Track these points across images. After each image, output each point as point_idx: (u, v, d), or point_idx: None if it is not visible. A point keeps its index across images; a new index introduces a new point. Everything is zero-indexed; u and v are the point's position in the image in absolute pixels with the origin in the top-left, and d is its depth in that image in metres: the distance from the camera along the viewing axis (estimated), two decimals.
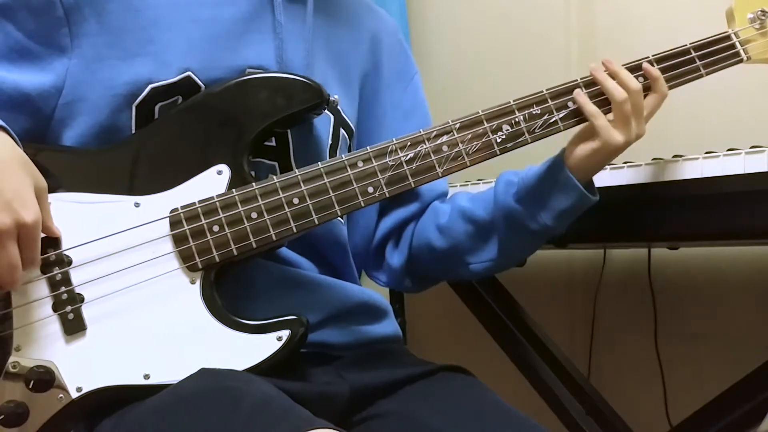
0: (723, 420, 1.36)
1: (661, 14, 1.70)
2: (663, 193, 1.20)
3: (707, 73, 1.16)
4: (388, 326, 1.17)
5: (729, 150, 1.14)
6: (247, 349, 0.98)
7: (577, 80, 1.12)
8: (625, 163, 1.28)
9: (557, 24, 1.94)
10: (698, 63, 1.15)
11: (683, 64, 1.15)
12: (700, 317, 1.70)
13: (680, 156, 1.21)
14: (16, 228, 0.90)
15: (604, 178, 1.26)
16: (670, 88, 1.14)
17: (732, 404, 1.36)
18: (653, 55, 1.14)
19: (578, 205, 1.14)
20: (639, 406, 1.72)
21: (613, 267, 1.81)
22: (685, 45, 1.15)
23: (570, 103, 1.11)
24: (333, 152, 1.13)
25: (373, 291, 1.17)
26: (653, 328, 1.72)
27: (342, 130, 1.15)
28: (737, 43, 1.17)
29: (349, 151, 1.17)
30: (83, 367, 0.96)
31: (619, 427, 1.59)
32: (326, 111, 1.11)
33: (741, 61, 1.17)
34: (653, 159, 1.24)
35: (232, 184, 1.02)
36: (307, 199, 1.03)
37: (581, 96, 1.11)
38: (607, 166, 1.28)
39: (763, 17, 1.17)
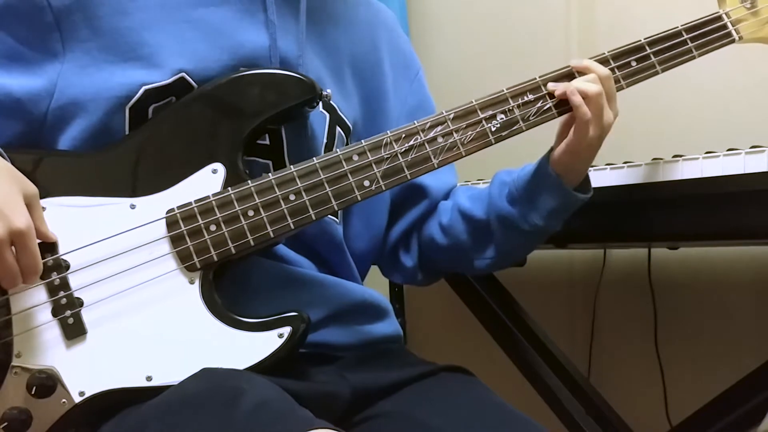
0: (723, 420, 1.36)
1: (661, 14, 1.70)
2: (663, 193, 1.20)
3: (699, 55, 1.16)
4: (389, 326, 1.17)
5: (729, 150, 1.14)
6: (249, 348, 0.98)
7: (569, 66, 1.13)
8: (625, 163, 1.28)
9: (557, 24, 1.94)
10: (690, 45, 1.16)
11: (675, 47, 1.15)
12: (700, 317, 1.70)
13: (680, 156, 1.21)
14: (9, 236, 0.90)
15: (604, 178, 1.26)
16: (664, 70, 1.15)
17: (732, 404, 1.36)
18: (645, 39, 1.15)
19: (566, 204, 1.14)
20: (639, 406, 1.71)
21: (613, 267, 1.81)
22: (677, 27, 1.16)
23: None
24: (328, 151, 1.12)
25: (374, 290, 1.17)
26: (653, 328, 1.72)
27: (338, 129, 1.15)
28: (729, 23, 1.17)
29: None
30: (85, 371, 0.96)
31: (619, 427, 1.58)
32: (322, 110, 1.11)
33: (733, 41, 1.18)
34: (653, 159, 1.23)
35: (228, 182, 1.02)
36: (304, 194, 1.03)
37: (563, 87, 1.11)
38: (607, 166, 1.28)
39: None
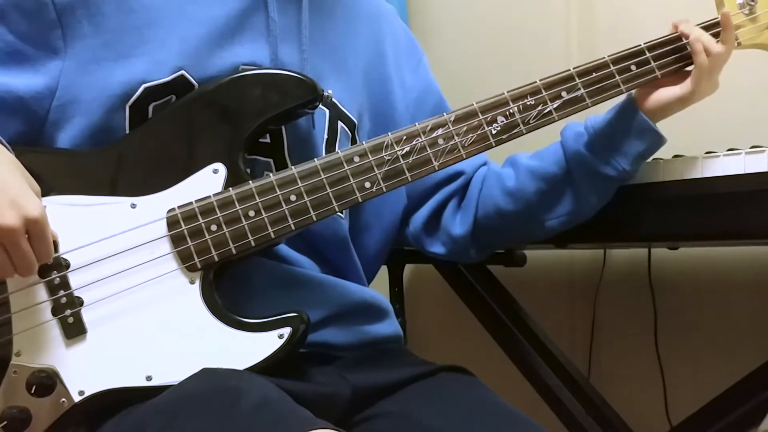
0: (723, 420, 1.36)
1: (661, 14, 1.70)
2: (663, 193, 1.20)
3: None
4: (389, 326, 1.17)
5: (729, 150, 1.15)
6: (249, 348, 0.98)
7: (570, 70, 1.13)
8: None
9: (557, 24, 1.94)
10: (689, 50, 1.15)
11: (676, 51, 1.16)
12: (700, 317, 1.70)
13: (680, 156, 1.21)
14: (24, 225, 0.90)
15: None
16: (663, 75, 1.16)
17: (732, 404, 1.36)
18: (645, 43, 1.15)
19: (653, 148, 1.17)
20: (639, 406, 1.72)
21: (613, 267, 1.81)
22: (676, 32, 1.17)
23: (564, 93, 1.12)
24: (329, 147, 1.13)
25: (374, 291, 1.17)
26: (653, 328, 1.72)
27: (340, 123, 1.15)
28: None
29: (353, 143, 1.17)
30: (85, 371, 0.96)
31: (619, 427, 1.58)
32: (321, 106, 1.11)
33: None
34: (653, 159, 1.24)
35: (229, 182, 1.02)
36: (305, 196, 1.03)
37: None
38: None
39: (752, 3, 1.19)
